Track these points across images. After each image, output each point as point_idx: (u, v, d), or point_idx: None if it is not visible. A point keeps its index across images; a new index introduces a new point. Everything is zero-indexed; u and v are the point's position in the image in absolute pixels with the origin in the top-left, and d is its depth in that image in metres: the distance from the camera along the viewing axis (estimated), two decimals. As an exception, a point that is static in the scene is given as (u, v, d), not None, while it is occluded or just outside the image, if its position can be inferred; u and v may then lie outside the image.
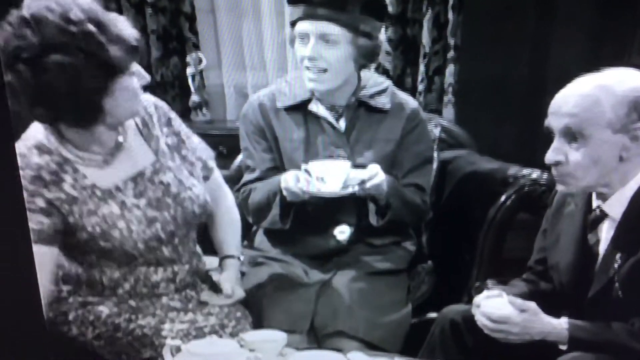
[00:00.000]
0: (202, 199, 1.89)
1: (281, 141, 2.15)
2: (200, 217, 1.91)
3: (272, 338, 1.70)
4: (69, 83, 1.59)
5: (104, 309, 1.81)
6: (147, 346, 1.78)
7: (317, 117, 2.15)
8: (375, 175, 1.97)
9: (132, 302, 1.84)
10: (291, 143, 2.13)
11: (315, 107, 2.15)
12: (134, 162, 1.83)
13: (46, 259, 1.70)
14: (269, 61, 3.22)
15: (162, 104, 1.95)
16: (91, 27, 1.59)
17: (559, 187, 1.71)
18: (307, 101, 2.16)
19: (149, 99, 1.91)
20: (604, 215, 1.68)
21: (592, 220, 1.70)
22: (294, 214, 2.10)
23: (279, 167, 2.16)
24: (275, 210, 2.07)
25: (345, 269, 2.10)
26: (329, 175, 1.93)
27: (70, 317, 1.82)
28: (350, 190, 1.95)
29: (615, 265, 1.62)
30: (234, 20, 3.21)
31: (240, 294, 1.94)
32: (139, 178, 1.82)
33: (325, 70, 2.05)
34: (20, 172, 1.54)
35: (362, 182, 1.96)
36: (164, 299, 1.87)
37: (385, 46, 2.83)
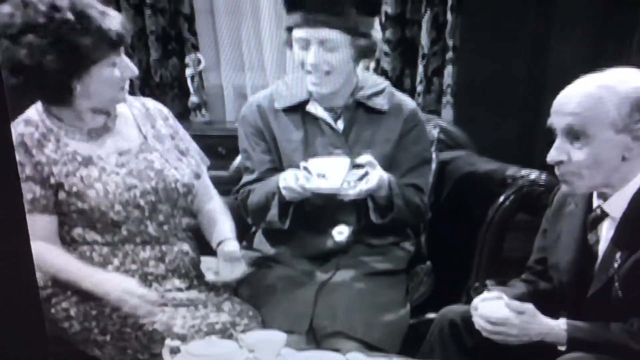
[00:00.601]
0: (188, 180, 1.99)
1: (280, 142, 2.15)
2: (185, 196, 1.98)
3: (271, 338, 1.70)
4: (36, 61, 1.74)
5: (107, 304, 1.82)
6: (157, 342, 1.78)
7: (315, 118, 2.15)
8: (373, 166, 1.97)
9: None
10: (290, 144, 2.13)
11: (314, 108, 2.15)
12: (121, 143, 1.94)
13: (48, 228, 1.85)
14: (268, 62, 3.22)
15: (164, 107, 2.11)
16: (69, 15, 1.74)
17: (563, 188, 1.71)
18: (305, 102, 2.16)
19: (151, 101, 2.08)
20: (604, 215, 1.68)
21: (592, 220, 1.70)
22: (292, 213, 2.09)
23: (278, 168, 2.16)
24: (273, 210, 2.07)
25: (344, 269, 2.10)
26: (329, 172, 1.93)
27: (72, 312, 1.84)
28: (346, 186, 1.94)
29: (615, 265, 1.62)
30: (233, 22, 3.21)
31: (242, 269, 1.98)
32: (124, 153, 1.93)
33: (328, 73, 2.05)
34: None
35: (361, 178, 1.96)
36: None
37: (384, 47, 2.83)
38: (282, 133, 2.15)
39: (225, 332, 1.84)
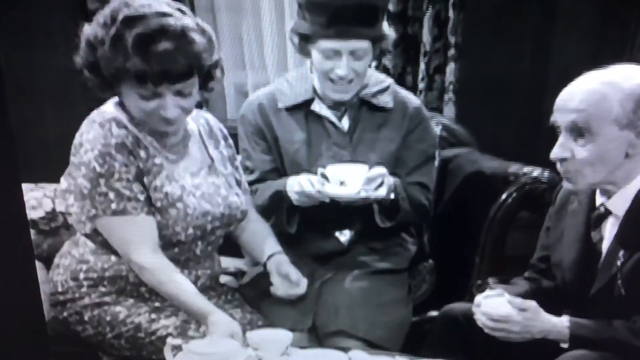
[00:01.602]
0: (244, 207, 1.97)
1: (282, 142, 2.14)
2: (239, 222, 1.98)
3: (277, 337, 1.70)
4: (168, 67, 1.69)
5: (121, 309, 1.82)
6: (174, 347, 1.76)
7: (319, 117, 2.14)
8: (385, 175, 1.99)
9: (152, 303, 1.85)
10: (292, 144, 2.12)
11: (318, 107, 2.14)
12: (192, 163, 1.90)
13: (154, 230, 1.79)
14: (269, 60, 3.20)
15: (222, 125, 2.07)
16: (132, 37, 1.67)
17: (566, 185, 1.71)
18: (309, 101, 2.15)
19: (212, 118, 2.04)
20: (607, 213, 1.68)
21: (595, 218, 1.70)
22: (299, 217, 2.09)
23: (278, 169, 2.15)
24: (281, 217, 2.06)
25: (347, 268, 2.10)
26: (349, 178, 1.94)
27: (86, 317, 1.83)
28: (364, 194, 1.95)
29: (618, 263, 1.62)
30: (233, 19, 3.19)
31: (304, 283, 1.94)
32: (194, 174, 1.89)
33: (351, 81, 2.05)
34: (102, 140, 1.71)
35: (381, 185, 1.96)
36: None
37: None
38: (284, 133, 2.14)
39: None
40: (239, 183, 2.02)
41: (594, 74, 1.62)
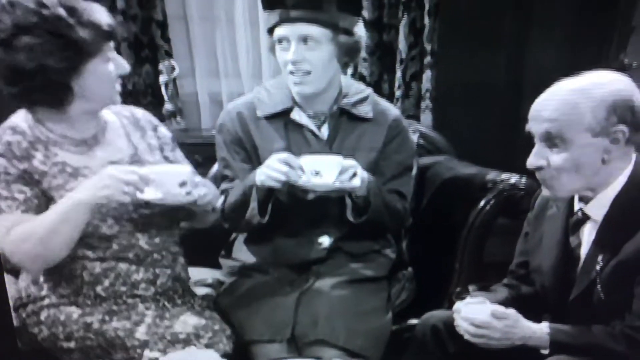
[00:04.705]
0: None
1: (261, 151, 2.11)
2: (177, 211, 1.92)
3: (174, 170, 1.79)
4: (37, 63, 1.69)
5: (76, 310, 1.82)
6: (118, 348, 1.77)
7: (298, 126, 2.13)
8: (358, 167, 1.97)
9: (108, 306, 1.83)
10: (272, 153, 2.09)
11: (298, 116, 2.13)
12: (111, 154, 1.89)
13: (26, 219, 1.75)
14: (243, 69, 3.19)
15: (153, 117, 2.07)
16: (61, 11, 1.69)
17: (545, 192, 1.71)
18: (289, 109, 2.13)
19: (141, 111, 2.04)
20: (585, 218, 1.69)
21: (573, 223, 1.71)
22: (273, 222, 2.06)
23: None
24: (253, 204, 2.03)
25: (325, 276, 2.08)
26: (324, 169, 1.93)
27: (42, 317, 1.82)
28: (339, 184, 1.93)
29: (597, 268, 1.62)
30: (207, 28, 3.18)
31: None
32: (117, 162, 1.86)
33: (309, 73, 2.03)
34: None
35: (354, 175, 1.95)
36: (141, 307, 1.85)
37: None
38: (264, 142, 2.12)
39: (188, 343, 1.80)
40: None
41: (565, 83, 1.63)
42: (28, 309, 1.85)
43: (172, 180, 1.75)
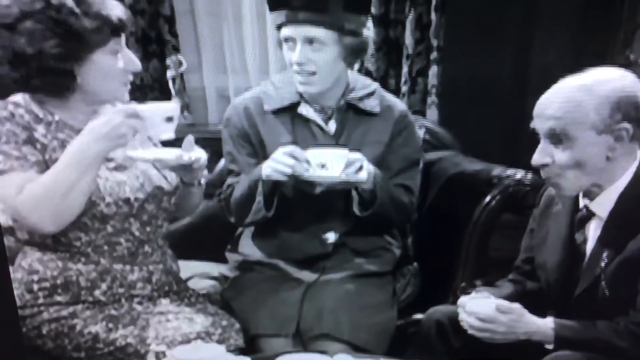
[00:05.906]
0: (173, 180, 1.94)
1: (268, 145, 2.12)
2: (169, 196, 1.93)
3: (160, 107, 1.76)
4: (37, 48, 1.70)
5: (78, 321, 1.79)
6: (132, 355, 1.75)
7: (305, 120, 2.13)
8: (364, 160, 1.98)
9: (108, 311, 1.81)
10: (278, 147, 2.10)
11: (305, 110, 2.13)
12: None
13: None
14: (250, 64, 3.19)
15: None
16: (67, 0, 1.71)
17: (551, 191, 1.72)
18: (296, 104, 2.14)
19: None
20: (591, 215, 1.69)
21: (579, 220, 1.71)
22: (278, 217, 2.07)
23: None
24: (259, 198, 2.04)
25: (331, 271, 2.09)
26: (330, 161, 1.94)
27: (44, 331, 1.79)
28: (345, 177, 1.94)
29: (602, 264, 1.63)
30: (214, 23, 3.17)
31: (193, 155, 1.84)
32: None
33: (314, 73, 2.04)
34: None
35: (360, 168, 1.96)
36: (139, 308, 1.84)
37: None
38: (271, 136, 2.13)
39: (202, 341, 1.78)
40: None
41: (570, 80, 1.63)
42: (28, 324, 1.80)
43: (159, 115, 1.74)
